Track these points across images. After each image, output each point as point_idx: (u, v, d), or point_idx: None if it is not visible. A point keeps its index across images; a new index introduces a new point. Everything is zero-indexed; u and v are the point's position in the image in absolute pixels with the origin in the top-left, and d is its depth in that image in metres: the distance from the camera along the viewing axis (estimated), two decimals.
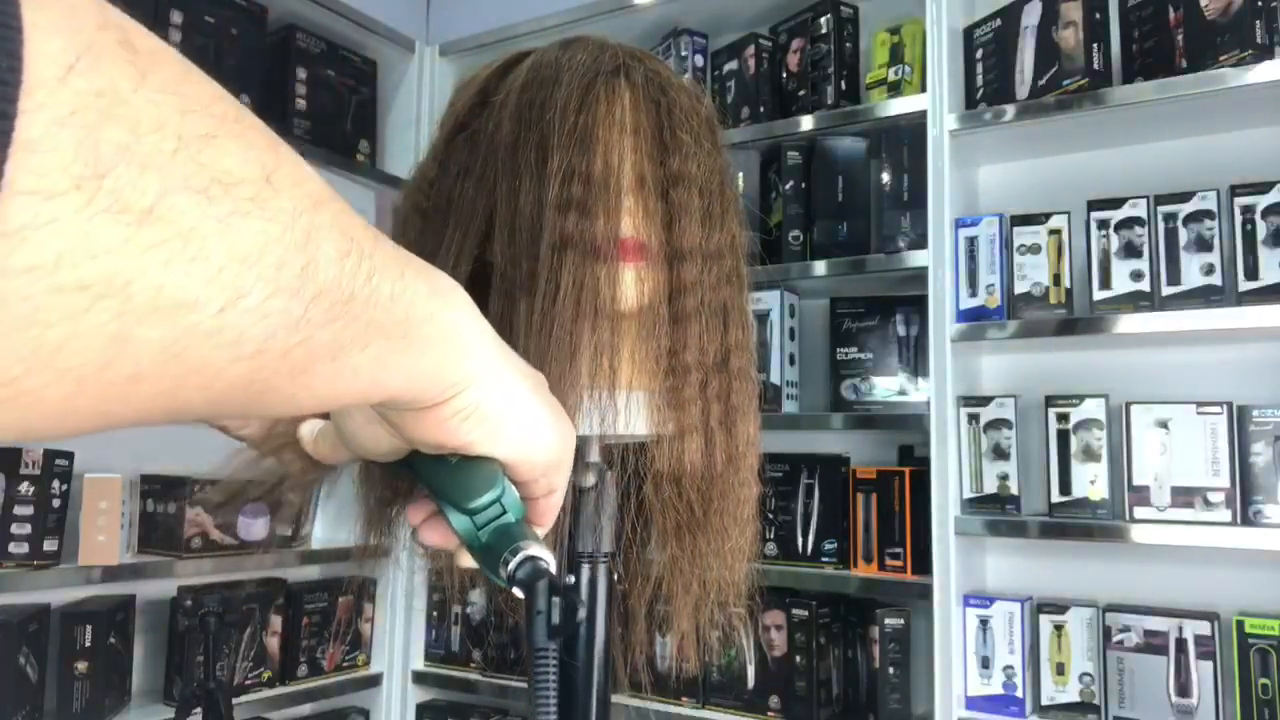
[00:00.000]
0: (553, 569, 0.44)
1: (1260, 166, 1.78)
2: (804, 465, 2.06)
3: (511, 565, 0.43)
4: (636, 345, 0.63)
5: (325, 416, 0.51)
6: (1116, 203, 1.80)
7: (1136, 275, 1.77)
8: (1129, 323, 1.73)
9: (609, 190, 0.62)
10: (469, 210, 0.64)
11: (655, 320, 0.63)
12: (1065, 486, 1.79)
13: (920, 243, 1.90)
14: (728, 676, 2.05)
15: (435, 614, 2.45)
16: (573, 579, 0.65)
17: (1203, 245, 1.72)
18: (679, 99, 0.66)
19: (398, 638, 2.44)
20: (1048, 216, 1.87)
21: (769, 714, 1.99)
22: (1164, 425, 1.72)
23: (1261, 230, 1.67)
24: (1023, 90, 1.87)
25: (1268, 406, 1.67)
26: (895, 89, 2.02)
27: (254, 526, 2.13)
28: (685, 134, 0.65)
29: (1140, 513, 1.71)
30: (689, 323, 0.63)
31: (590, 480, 0.64)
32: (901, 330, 2.06)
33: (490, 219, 0.64)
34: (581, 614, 0.45)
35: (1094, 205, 1.82)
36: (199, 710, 1.80)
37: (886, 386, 2.06)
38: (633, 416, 0.62)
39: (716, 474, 0.64)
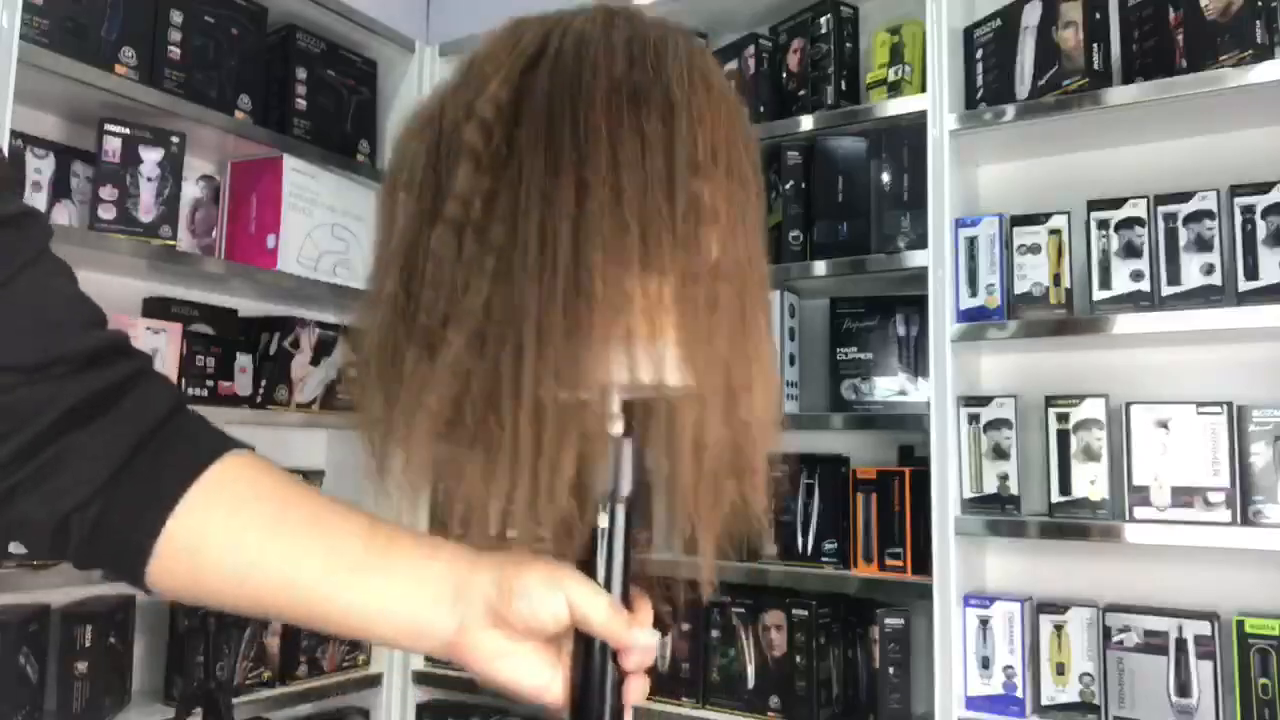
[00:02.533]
0: None
1: (1260, 166, 1.78)
2: (804, 465, 2.06)
3: None
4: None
5: None
6: (1116, 203, 1.80)
7: (1136, 275, 1.77)
8: (1129, 323, 1.73)
9: (715, 161, 0.65)
10: (568, 148, 0.63)
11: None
12: (1065, 486, 1.79)
13: (920, 243, 1.91)
14: (728, 676, 2.05)
15: None
16: (605, 523, 0.67)
17: (1203, 245, 1.72)
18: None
19: None
20: (1048, 216, 1.87)
21: (769, 714, 2.00)
22: (1164, 425, 1.72)
23: (1261, 230, 1.67)
24: (1023, 90, 1.87)
25: (1268, 406, 1.67)
26: (895, 89, 2.02)
27: None
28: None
29: (1140, 513, 1.71)
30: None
31: (619, 428, 0.66)
32: (901, 330, 2.06)
33: (594, 160, 0.62)
34: None
35: (1094, 205, 1.82)
36: (199, 710, 1.80)
37: (886, 386, 2.06)
38: (671, 365, 0.64)
39: (738, 421, 0.66)
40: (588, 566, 0.66)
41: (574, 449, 0.62)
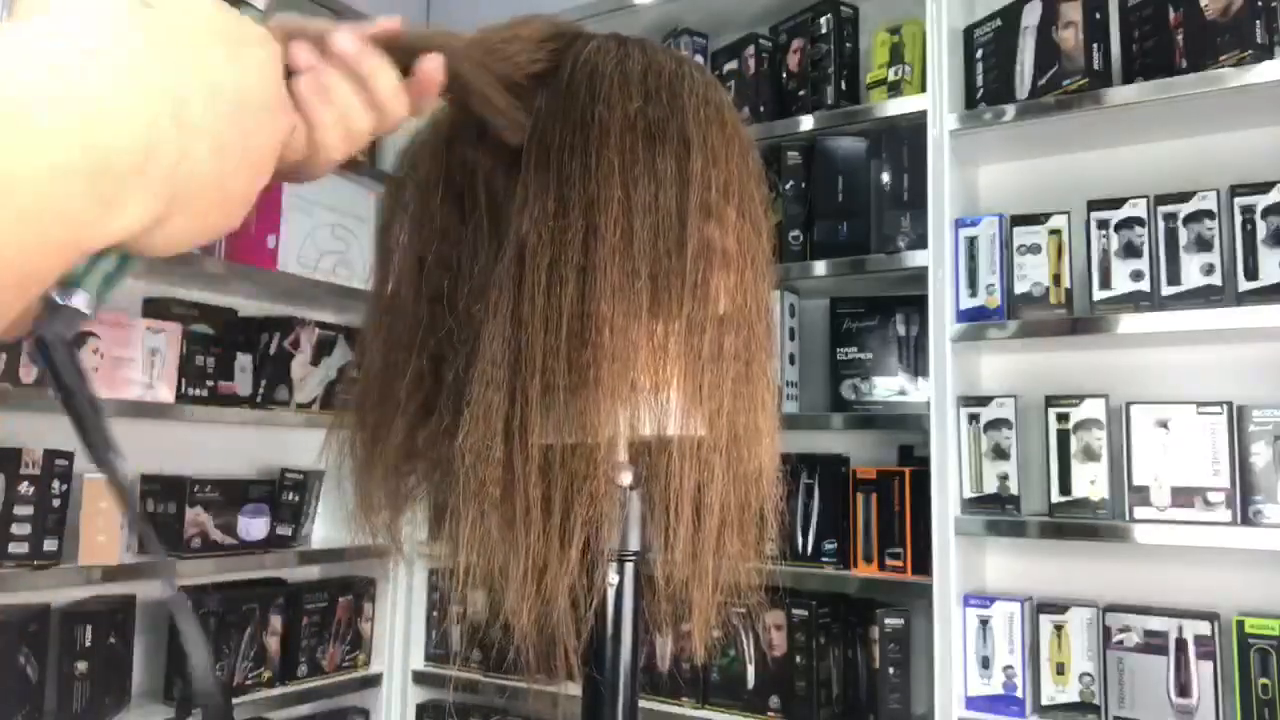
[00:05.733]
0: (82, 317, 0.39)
1: (1260, 166, 1.78)
2: (804, 465, 2.06)
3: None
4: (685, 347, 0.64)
5: None
6: (1116, 203, 1.80)
7: (1136, 275, 1.77)
8: (1129, 323, 1.73)
9: (728, 200, 0.64)
10: (575, 176, 0.61)
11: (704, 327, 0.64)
12: (1065, 486, 1.79)
13: (920, 243, 1.90)
14: (728, 676, 2.04)
15: (435, 614, 2.44)
16: (616, 579, 0.65)
17: (1203, 245, 1.72)
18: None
19: (398, 638, 2.44)
20: (1048, 216, 1.87)
21: (769, 714, 1.99)
22: (1164, 425, 1.72)
23: (1261, 230, 1.67)
24: (1023, 90, 1.87)
25: (1268, 406, 1.67)
26: (895, 89, 2.02)
27: (254, 526, 2.13)
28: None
29: (1140, 513, 1.71)
30: (729, 327, 0.65)
31: (627, 479, 0.64)
32: (901, 330, 2.06)
33: (606, 202, 0.61)
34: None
35: (1094, 205, 1.82)
36: (199, 710, 1.80)
37: (886, 386, 2.06)
38: (676, 416, 0.62)
39: (742, 476, 0.64)
40: (597, 624, 0.64)
41: (584, 507, 0.59)
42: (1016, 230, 1.88)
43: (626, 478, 0.64)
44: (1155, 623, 1.72)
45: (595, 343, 0.59)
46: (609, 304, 0.59)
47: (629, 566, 0.65)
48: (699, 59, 2.31)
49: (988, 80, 1.93)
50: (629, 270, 0.60)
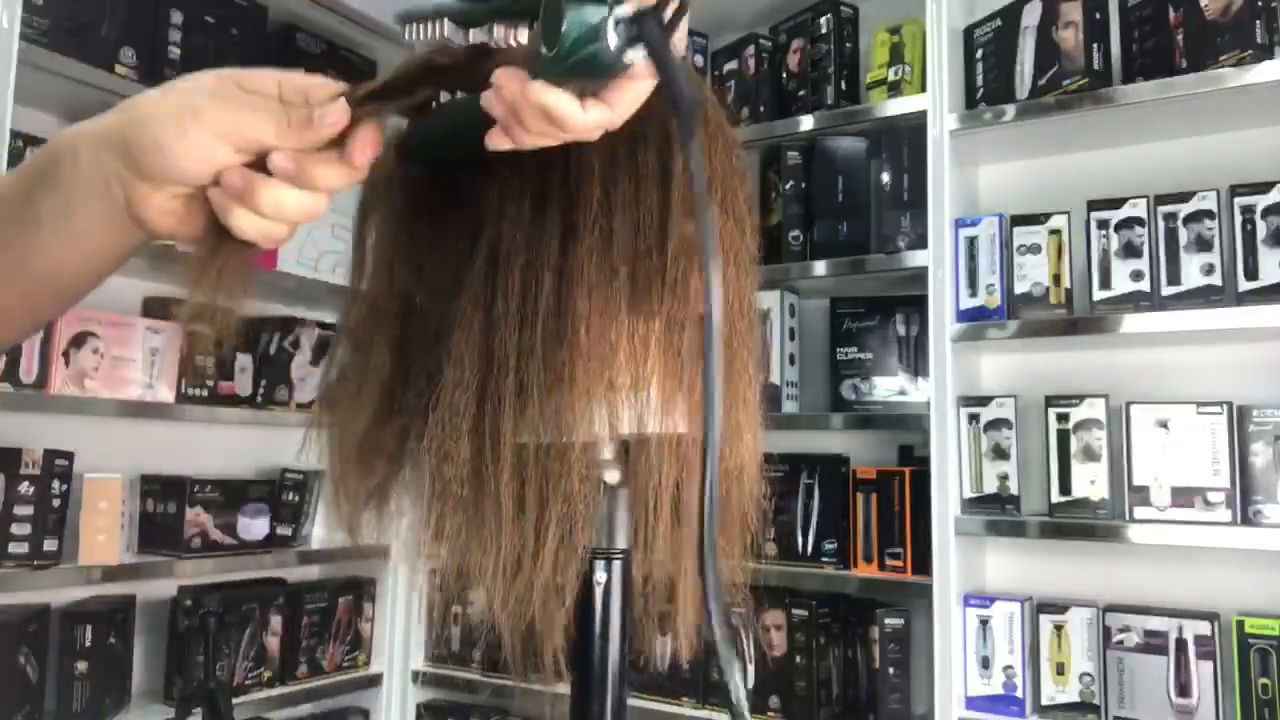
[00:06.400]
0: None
1: (1260, 166, 1.78)
2: (804, 465, 2.06)
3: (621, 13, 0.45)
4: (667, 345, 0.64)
5: None
6: (1116, 203, 1.80)
7: (1136, 275, 1.77)
8: (1129, 323, 1.73)
9: (710, 197, 0.63)
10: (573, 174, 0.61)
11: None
12: (1065, 486, 1.79)
13: (920, 243, 1.91)
14: None
15: (435, 614, 2.44)
16: (604, 577, 0.65)
17: (1203, 245, 1.72)
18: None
19: (398, 638, 2.44)
20: (1048, 216, 1.87)
21: (769, 714, 1.99)
22: (1164, 425, 1.72)
23: (1261, 230, 1.67)
24: (1023, 90, 1.87)
25: (1268, 406, 1.67)
26: (895, 89, 2.02)
27: (254, 526, 2.13)
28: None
29: (1140, 513, 1.71)
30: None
31: (615, 477, 0.64)
32: (901, 330, 2.06)
33: (585, 201, 0.60)
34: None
35: (1094, 205, 1.82)
36: (199, 710, 1.80)
37: (886, 386, 2.06)
38: (656, 413, 0.62)
39: (722, 473, 0.64)
40: (584, 623, 0.64)
41: (559, 505, 0.59)
42: (1016, 230, 1.88)
43: (613, 475, 0.64)
44: (1155, 623, 1.72)
45: (571, 342, 0.58)
46: (586, 303, 0.59)
47: (616, 564, 0.65)
48: (699, 59, 2.31)
49: (988, 80, 1.93)
50: (607, 269, 0.59)
